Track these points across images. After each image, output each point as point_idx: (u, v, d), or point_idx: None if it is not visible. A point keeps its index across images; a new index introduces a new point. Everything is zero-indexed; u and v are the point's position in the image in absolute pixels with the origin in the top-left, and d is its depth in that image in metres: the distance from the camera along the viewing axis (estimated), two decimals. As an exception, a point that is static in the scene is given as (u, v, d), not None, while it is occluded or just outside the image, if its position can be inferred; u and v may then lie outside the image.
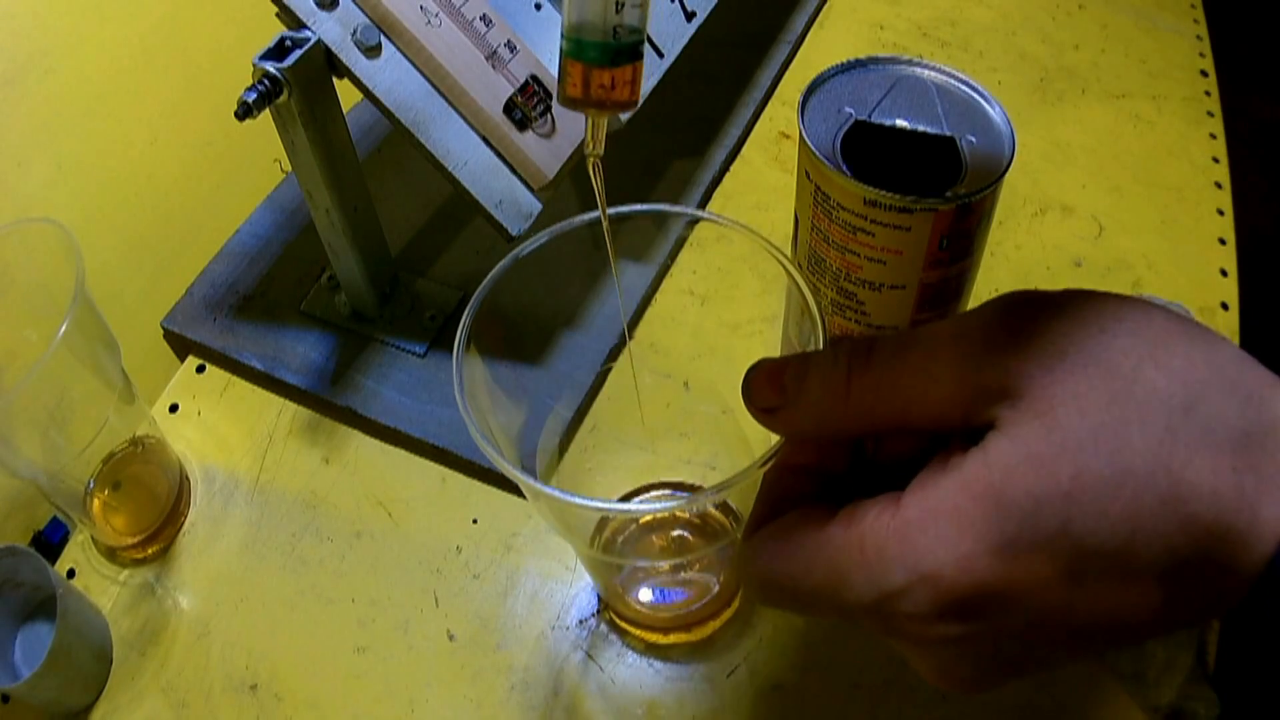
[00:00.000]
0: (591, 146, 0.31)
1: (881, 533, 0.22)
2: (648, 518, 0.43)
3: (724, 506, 0.43)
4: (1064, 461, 0.21)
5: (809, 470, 0.27)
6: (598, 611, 0.44)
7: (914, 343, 0.24)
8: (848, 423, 0.25)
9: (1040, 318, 0.23)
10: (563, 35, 0.28)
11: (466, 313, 0.33)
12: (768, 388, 0.26)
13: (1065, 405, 0.21)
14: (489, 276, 0.34)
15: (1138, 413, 0.21)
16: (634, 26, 0.28)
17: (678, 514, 0.43)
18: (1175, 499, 0.20)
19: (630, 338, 0.47)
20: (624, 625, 0.43)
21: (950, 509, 0.22)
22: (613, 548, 0.43)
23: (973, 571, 0.21)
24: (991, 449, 0.22)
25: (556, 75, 0.29)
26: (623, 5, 0.27)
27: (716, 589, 0.42)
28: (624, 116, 0.48)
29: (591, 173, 0.31)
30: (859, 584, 0.23)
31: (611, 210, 0.34)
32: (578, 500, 0.28)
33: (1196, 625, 0.37)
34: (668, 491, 0.44)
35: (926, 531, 0.22)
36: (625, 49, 0.28)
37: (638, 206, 0.35)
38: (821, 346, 0.29)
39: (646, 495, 0.44)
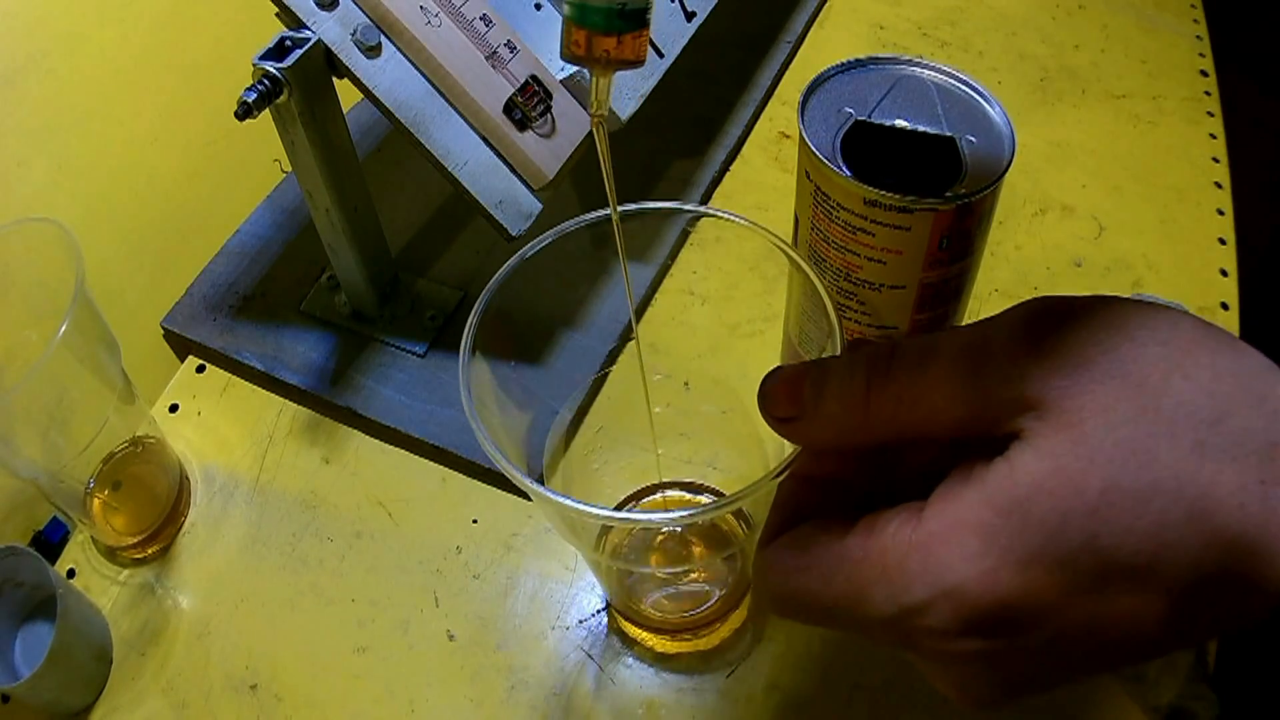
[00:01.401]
0: (595, 106, 0.29)
1: (902, 546, 0.22)
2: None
3: (736, 512, 0.43)
4: (1091, 475, 0.20)
5: (825, 479, 0.26)
6: (603, 612, 0.44)
7: (935, 352, 0.23)
8: (867, 434, 0.24)
9: (1065, 326, 0.22)
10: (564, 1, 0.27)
11: (472, 318, 0.32)
12: (785, 398, 0.25)
13: (1093, 417, 0.21)
14: (494, 278, 0.33)
15: (1166, 426, 0.20)
16: None
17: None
18: (1202, 513, 0.20)
19: (635, 336, 0.47)
20: (632, 631, 0.43)
21: (974, 522, 0.21)
22: (619, 552, 0.43)
23: (996, 587, 0.21)
24: (1016, 461, 0.21)
25: (559, 47, 0.28)
26: None
27: (724, 592, 0.42)
28: (624, 115, 0.48)
29: (596, 133, 0.30)
30: (878, 598, 0.22)
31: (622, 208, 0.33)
32: (592, 510, 0.27)
33: (1217, 638, 0.36)
34: (676, 493, 0.44)
35: (949, 545, 0.21)
36: (631, 14, 0.26)
37: (647, 204, 0.34)
38: (838, 352, 0.29)
39: (653, 498, 0.44)
